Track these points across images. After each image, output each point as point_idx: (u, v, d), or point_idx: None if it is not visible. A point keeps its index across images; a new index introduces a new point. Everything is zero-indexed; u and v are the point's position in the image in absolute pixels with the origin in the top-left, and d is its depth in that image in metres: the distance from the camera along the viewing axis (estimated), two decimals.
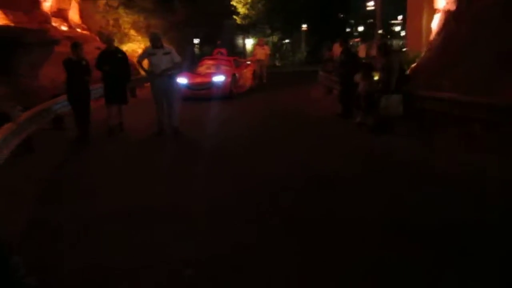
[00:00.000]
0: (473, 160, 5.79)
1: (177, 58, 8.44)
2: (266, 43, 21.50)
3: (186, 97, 12.32)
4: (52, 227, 4.25)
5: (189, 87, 13.17)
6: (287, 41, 33.79)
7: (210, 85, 13.18)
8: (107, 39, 9.47)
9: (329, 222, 4.15)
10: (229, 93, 13.33)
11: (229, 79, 13.52)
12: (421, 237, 3.71)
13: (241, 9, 28.11)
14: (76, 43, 8.45)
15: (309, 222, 4.15)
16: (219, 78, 13.37)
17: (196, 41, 28.24)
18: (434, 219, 4.09)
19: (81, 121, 8.07)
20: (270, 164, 6.18)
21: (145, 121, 9.58)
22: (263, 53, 17.68)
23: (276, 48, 32.08)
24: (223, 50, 17.10)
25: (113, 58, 8.61)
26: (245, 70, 15.08)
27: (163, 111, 8.39)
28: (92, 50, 16.59)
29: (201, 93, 12.99)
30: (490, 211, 4.22)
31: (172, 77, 8.36)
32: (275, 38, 31.45)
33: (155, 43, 8.35)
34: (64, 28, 17.04)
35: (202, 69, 14.73)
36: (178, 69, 8.62)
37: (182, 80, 12.67)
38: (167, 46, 8.48)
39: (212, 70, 14.08)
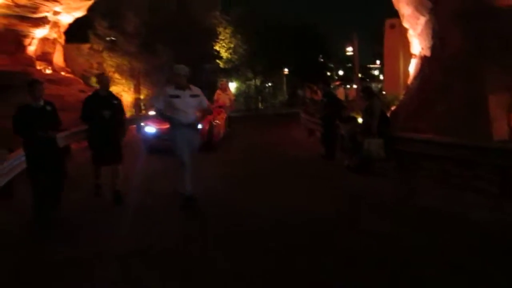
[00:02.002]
0: (448, 197, 6.08)
1: (206, 103, 6.47)
2: (229, 87, 18.58)
3: (155, 149, 10.68)
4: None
5: (159, 136, 11.03)
6: (269, 84, 34.56)
7: None
8: (102, 79, 6.93)
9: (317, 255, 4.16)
10: (207, 143, 11.37)
11: (207, 127, 11.69)
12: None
13: (224, 54, 28.81)
14: (34, 80, 5.93)
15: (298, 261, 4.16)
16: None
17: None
18: (413, 254, 4.15)
19: (46, 199, 5.52)
20: (260, 207, 6.15)
21: (142, 178, 7.95)
22: (227, 98, 15.64)
23: (259, 91, 32.76)
24: None
25: (106, 105, 6.43)
26: (218, 117, 13.48)
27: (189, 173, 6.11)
28: (74, 93, 16.75)
29: None
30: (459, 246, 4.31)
31: (197, 128, 6.49)
32: (257, 81, 32.15)
33: (179, 81, 6.08)
34: (48, 71, 17.19)
35: None
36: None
37: (149, 129, 11.31)
38: (193, 86, 6.26)
39: None
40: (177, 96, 6.00)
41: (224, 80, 21.36)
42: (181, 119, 5.98)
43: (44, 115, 5.55)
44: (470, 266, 3.93)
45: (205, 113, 6.58)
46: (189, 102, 6.05)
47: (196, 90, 6.21)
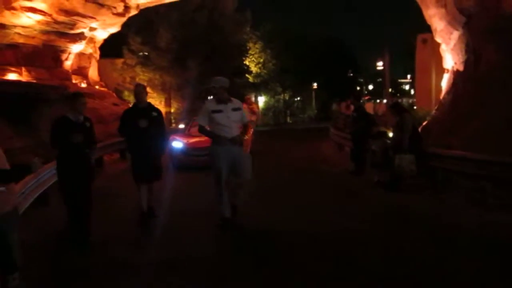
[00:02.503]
0: (485, 218, 5.85)
1: (246, 118, 6.07)
2: (255, 101, 16.36)
3: (182, 165, 10.50)
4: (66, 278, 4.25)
5: (186, 152, 10.76)
6: (298, 98, 34.58)
7: None
8: (136, 90, 6.36)
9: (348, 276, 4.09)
10: None
11: None
12: None
13: (254, 68, 29.08)
14: (76, 93, 5.60)
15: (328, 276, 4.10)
16: None
17: (209, 98, 29.02)
18: (449, 277, 4.02)
19: (80, 218, 5.22)
20: (288, 222, 6.10)
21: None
22: (252, 112, 13.97)
23: (287, 105, 32.84)
24: None
25: (143, 116, 5.99)
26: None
27: (227, 192, 5.73)
28: (108, 106, 17.21)
29: (202, 160, 9.47)
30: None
31: (242, 143, 5.93)
32: (286, 96, 32.24)
33: (220, 95, 5.71)
34: (83, 85, 17.73)
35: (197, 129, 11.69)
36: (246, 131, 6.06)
37: (176, 144, 11.04)
38: (234, 99, 5.90)
39: None
40: (220, 111, 5.62)
41: (252, 94, 21.04)
42: (225, 135, 5.59)
43: (83, 131, 5.16)
44: None
45: (245, 128, 6.15)
46: (232, 116, 5.66)
47: (237, 103, 5.85)
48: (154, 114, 6.15)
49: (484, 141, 7.84)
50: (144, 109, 6.10)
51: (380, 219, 6.15)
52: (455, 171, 7.51)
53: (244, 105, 15.08)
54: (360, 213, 6.50)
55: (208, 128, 5.77)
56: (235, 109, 5.72)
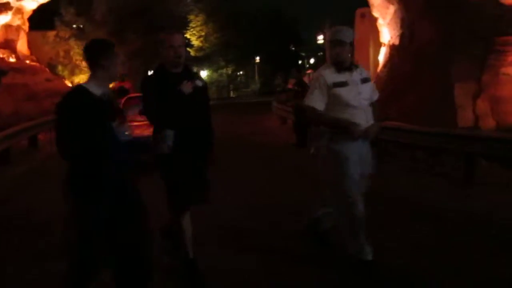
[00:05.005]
0: (414, 184, 6.32)
1: (377, 93, 3.80)
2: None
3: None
4: None
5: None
6: (241, 72, 34.47)
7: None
8: (166, 37, 3.49)
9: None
10: None
11: None
12: None
13: (195, 42, 28.54)
14: (107, 41, 2.76)
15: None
16: None
17: (149, 72, 28.21)
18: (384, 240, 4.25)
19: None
20: (231, 195, 6.12)
21: None
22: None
23: (230, 79, 32.69)
24: (127, 84, 11.72)
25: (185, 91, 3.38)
26: None
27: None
28: (40, 81, 16.27)
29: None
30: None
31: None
32: (229, 70, 32.04)
33: (341, 55, 3.49)
34: (12, 59, 16.58)
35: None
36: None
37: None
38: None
39: None
40: (344, 84, 3.49)
41: (194, 68, 20.38)
42: (361, 122, 3.49)
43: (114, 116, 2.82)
44: (436, 255, 4.05)
45: (376, 109, 3.71)
46: (364, 92, 3.55)
47: (363, 71, 3.72)
48: (199, 84, 3.52)
49: (418, 113, 8.29)
50: (182, 74, 3.45)
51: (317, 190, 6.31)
52: (391, 141, 7.91)
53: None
54: (301, 185, 6.66)
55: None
56: (364, 80, 3.61)
